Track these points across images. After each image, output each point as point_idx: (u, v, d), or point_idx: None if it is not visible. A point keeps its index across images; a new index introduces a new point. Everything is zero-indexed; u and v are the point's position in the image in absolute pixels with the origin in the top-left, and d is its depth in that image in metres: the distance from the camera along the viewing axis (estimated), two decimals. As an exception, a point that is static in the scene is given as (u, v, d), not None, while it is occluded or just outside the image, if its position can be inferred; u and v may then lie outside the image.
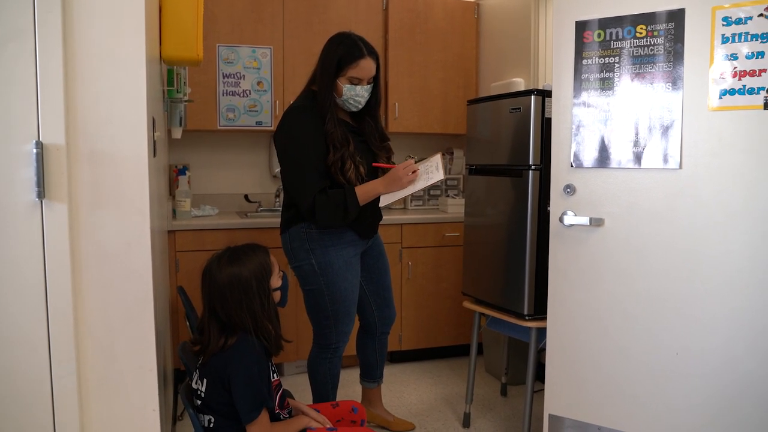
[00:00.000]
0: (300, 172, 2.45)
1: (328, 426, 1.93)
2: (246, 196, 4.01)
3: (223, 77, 3.69)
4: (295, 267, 2.59)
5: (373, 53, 2.46)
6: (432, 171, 2.53)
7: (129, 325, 1.54)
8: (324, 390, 2.65)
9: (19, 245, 1.43)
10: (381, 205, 2.53)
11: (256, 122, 3.78)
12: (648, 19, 2.13)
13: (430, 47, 4.05)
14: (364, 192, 2.45)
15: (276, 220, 3.56)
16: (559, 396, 2.40)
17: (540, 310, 2.56)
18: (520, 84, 3.59)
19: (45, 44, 1.41)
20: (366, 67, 2.43)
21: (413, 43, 4.00)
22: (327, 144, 2.42)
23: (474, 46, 4.16)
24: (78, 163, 1.46)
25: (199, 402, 1.79)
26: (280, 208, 3.95)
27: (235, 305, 1.79)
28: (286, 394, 2.09)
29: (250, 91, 3.75)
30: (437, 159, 2.55)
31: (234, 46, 3.68)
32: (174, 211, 3.52)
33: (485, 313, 2.85)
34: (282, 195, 3.98)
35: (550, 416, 2.42)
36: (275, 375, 1.91)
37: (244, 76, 3.73)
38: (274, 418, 1.84)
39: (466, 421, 2.97)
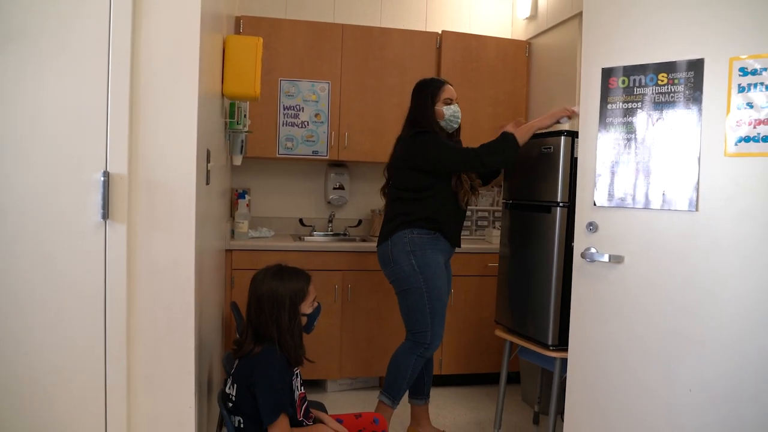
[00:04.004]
0: (455, 153, 2.91)
1: (345, 434, 2.11)
2: (301, 220, 4.27)
3: (284, 109, 3.98)
4: (394, 270, 2.90)
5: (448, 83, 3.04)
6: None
7: (173, 331, 1.78)
8: (398, 382, 2.91)
9: (85, 258, 1.70)
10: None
11: (313, 151, 4.05)
12: (669, 67, 2.24)
13: (481, 84, 4.22)
14: (521, 135, 2.88)
15: (328, 244, 3.84)
16: (578, 426, 2.48)
17: (565, 341, 2.65)
18: (564, 122, 3.70)
19: (115, 90, 1.68)
20: (450, 89, 3.00)
21: (465, 80, 4.18)
22: None
23: (524, 83, 4.30)
24: (137, 190, 1.72)
25: (230, 404, 2.00)
26: (332, 233, 4.24)
27: (266, 314, 2.00)
28: (317, 407, 2.28)
29: (308, 122, 4.02)
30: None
31: (295, 81, 3.98)
32: (233, 232, 3.81)
33: (514, 342, 2.95)
34: (331, 217, 4.24)
35: (569, 445, 2.50)
36: (301, 388, 2.09)
37: (303, 108, 4.01)
38: (298, 425, 2.03)
39: (494, 446, 3.07)
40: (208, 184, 2.19)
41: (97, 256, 1.70)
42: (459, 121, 3.03)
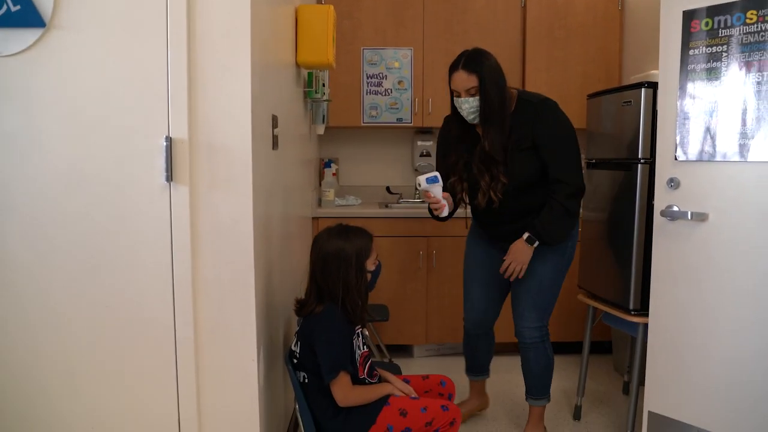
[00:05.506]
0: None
1: (412, 396, 2.13)
2: (388, 188, 4.30)
3: (367, 77, 4.01)
4: None
5: (469, 67, 2.48)
6: None
7: (234, 287, 1.87)
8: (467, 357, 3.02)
9: (153, 217, 1.82)
10: None
11: (397, 119, 4.06)
12: (759, 3, 2.04)
13: (569, 42, 4.03)
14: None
15: (412, 210, 3.85)
16: (659, 393, 2.36)
17: (647, 305, 2.52)
18: (657, 76, 3.46)
19: (174, 63, 1.77)
20: (455, 79, 2.51)
21: (551, 39, 4.01)
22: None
23: (617, 39, 4.05)
24: (197, 153, 1.82)
25: (295, 361, 2.09)
26: (419, 200, 4.25)
27: (333, 273, 2.04)
28: (391, 368, 2.32)
29: (391, 89, 4.03)
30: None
31: (377, 49, 3.99)
32: (320, 200, 3.91)
33: (596, 307, 2.85)
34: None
35: (650, 413, 2.39)
36: (364, 347, 2.14)
37: (386, 76, 4.02)
38: (359, 383, 2.08)
39: (577, 414, 2.99)
40: (275, 149, 2.27)
41: (164, 216, 1.82)
42: (469, 116, 2.54)
